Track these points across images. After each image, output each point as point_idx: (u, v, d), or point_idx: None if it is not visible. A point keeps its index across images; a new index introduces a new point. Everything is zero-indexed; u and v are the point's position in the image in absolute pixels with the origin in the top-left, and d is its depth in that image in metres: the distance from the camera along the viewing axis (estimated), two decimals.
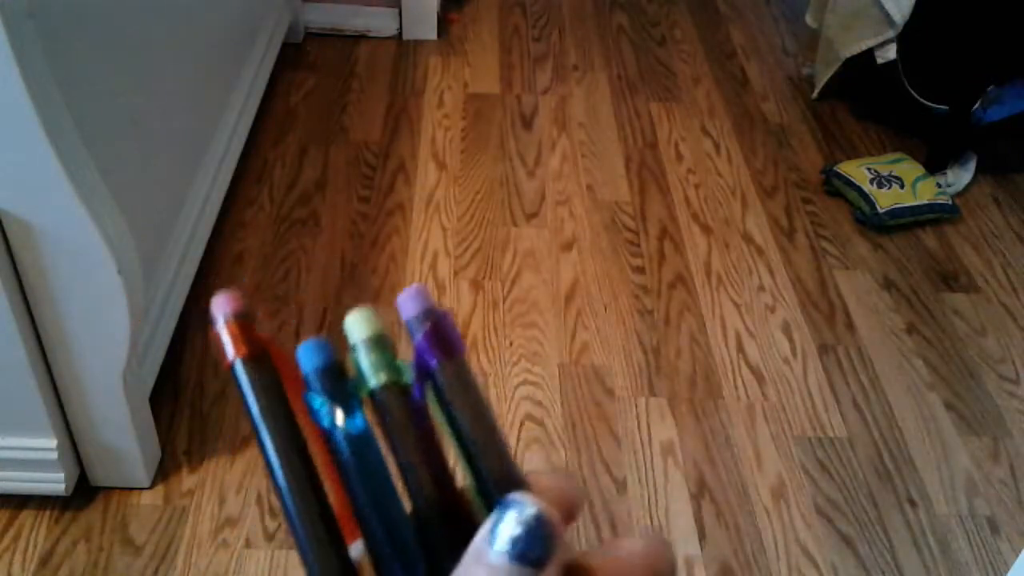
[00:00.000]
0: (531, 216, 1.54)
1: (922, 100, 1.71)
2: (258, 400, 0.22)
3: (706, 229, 1.55)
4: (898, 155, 1.68)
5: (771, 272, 1.48)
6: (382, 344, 0.22)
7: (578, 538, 1.08)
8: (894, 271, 1.50)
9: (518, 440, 1.18)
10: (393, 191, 1.56)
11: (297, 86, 1.79)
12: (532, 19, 2.11)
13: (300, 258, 1.42)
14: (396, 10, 1.95)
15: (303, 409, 0.22)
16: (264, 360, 0.23)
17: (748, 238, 1.54)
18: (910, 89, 1.71)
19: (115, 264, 0.86)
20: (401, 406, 0.22)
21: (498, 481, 0.21)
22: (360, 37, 1.96)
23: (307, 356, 0.22)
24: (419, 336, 0.22)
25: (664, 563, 0.21)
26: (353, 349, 0.22)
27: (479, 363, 1.28)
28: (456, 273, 1.42)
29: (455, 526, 0.21)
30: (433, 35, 1.98)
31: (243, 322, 0.23)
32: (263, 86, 1.63)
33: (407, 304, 0.22)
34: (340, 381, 0.22)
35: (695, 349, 1.33)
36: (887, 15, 1.64)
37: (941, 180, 1.66)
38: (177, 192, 1.22)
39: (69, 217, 0.82)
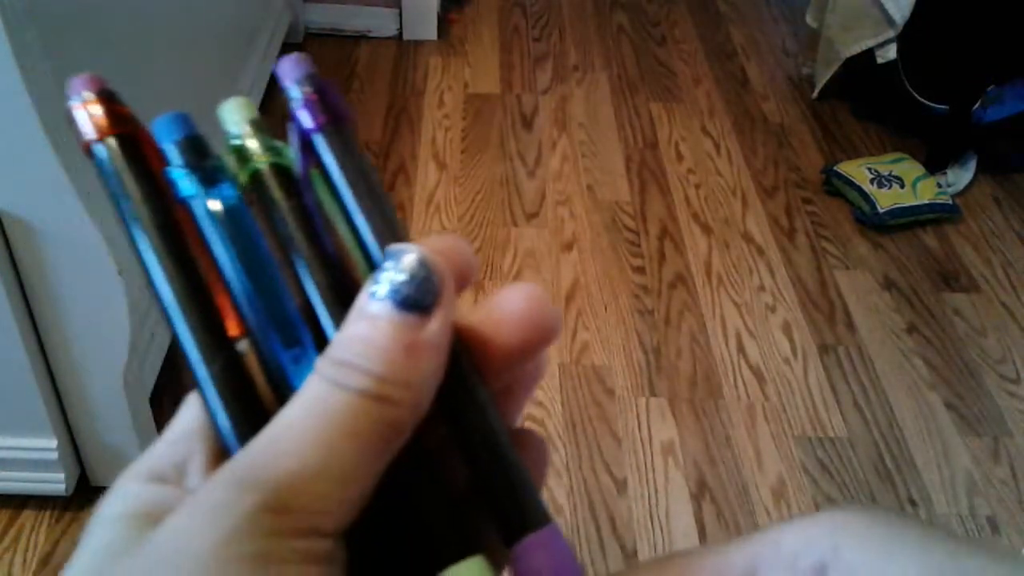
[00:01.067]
0: (531, 216, 1.54)
1: (922, 100, 1.71)
2: (130, 187, 0.19)
3: (706, 229, 1.55)
4: (898, 155, 1.68)
5: (771, 272, 1.48)
6: (259, 127, 0.21)
7: (578, 538, 1.08)
8: (894, 271, 1.50)
9: None
10: (393, 191, 1.56)
11: None
12: (532, 19, 2.11)
13: None
14: (396, 10, 1.95)
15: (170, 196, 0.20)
16: (132, 142, 0.20)
17: (748, 238, 1.54)
18: (910, 89, 1.71)
19: (115, 265, 0.86)
20: (283, 186, 0.20)
21: (386, 247, 0.19)
22: (360, 37, 1.96)
23: (165, 129, 0.20)
24: (300, 100, 0.20)
25: (545, 315, 0.20)
26: (229, 132, 0.21)
27: None
28: None
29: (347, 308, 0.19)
30: (433, 35, 1.98)
31: (107, 99, 0.20)
32: (263, 86, 1.63)
33: (288, 69, 0.20)
34: (204, 154, 0.20)
35: (695, 349, 1.33)
36: (887, 15, 1.64)
37: (941, 180, 1.66)
38: None
39: (69, 217, 0.82)
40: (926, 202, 1.58)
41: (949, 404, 1.29)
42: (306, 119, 0.20)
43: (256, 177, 0.20)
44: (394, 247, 0.18)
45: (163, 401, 1.18)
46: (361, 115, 1.73)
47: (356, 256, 0.20)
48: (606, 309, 1.39)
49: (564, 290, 1.41)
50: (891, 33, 1.66)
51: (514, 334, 0.19)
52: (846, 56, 1.76)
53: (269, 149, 0.20)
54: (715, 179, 1.66)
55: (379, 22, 1.96)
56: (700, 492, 1.15)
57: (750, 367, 1.31)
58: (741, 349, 1.34)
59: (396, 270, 0.18)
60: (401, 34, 1.97)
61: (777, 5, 2.25)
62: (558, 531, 0.19)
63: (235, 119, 0.21)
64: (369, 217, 0.20)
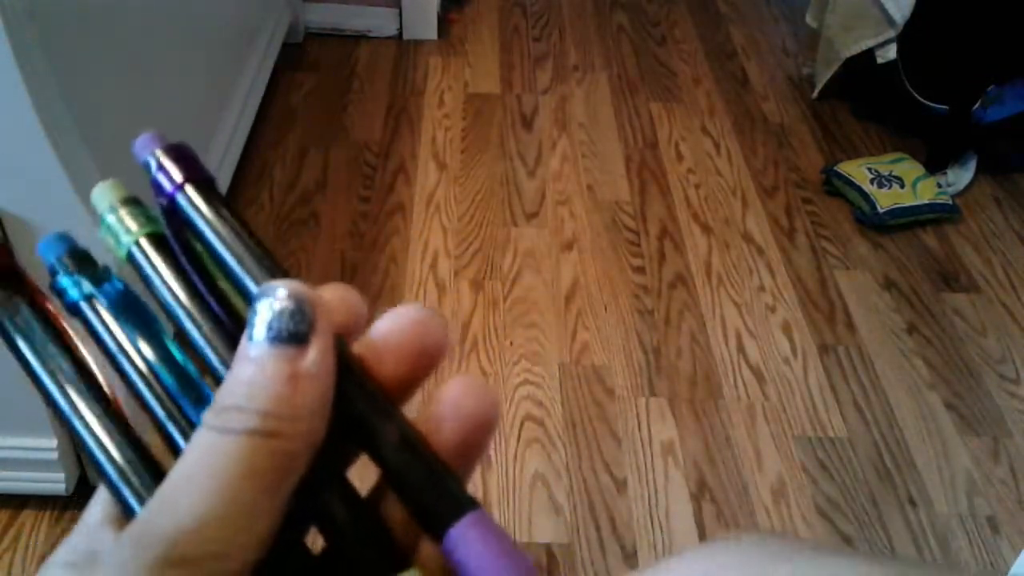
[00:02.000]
0: (531, 216, 1.54)
1: (922, 100, 1.71)
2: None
3: (706, 229, 1.55)
4: (898, 155, 1.68)
5: (771, 272, 1.48)
6: (133, 202, 0.21)
7: (578, 538, 1.08)
8: (894, 271, 1.50)
9: (518, 440, 1.18)
10: (393, 191, 1.56)
11: (297, 86, 1.79)
12: (532, 19, 2.11)
13: (300, 258, 1.42)
14: (396, 10, 1.95)
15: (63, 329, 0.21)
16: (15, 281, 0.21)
17: (748, 238, 1.54)
18: (910, 89, 1.71)
19: (116, 265, 0.85)
20: (161, 251, 0.20)
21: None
22: (360, 37, 1.96)
23: (49, 248, 0.21)
24: (155, 165, 0.20)
25: (433, 335, 0.20)
26: (103, 217, 0.21)
27: (479, 363, 1.28)
28: (456, 273, 1.42)
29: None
30: (433, 35, 1.98)
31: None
32: (263, 86, 1.63)
33: (143, 146, 0.21)
34: (90, 261, 0.21)
35: (695, 349, 1.33)
36: (887, 15, 1.64)
37: (941, 180, 1.66)
38: None
39: (69, 217, 0.82)
40: (926, 202, 1.58)
41: (949, 404, 1.29)
42: (165, 182, 0.20)
43: (133, 252, 0.21)
44: (263, 286, 0.18)
45: None
46: (361, 115, 1.73)
47: (239, 304, 0.20)
48: (606, 309, 1.39)
49: (564, 290, 1.41)
50: (891, 33, 1.66)
51: (456, 433, 0.20)
52: (846, 56, 1.76)
53: (147, 220, 0.21)
54: (715, 179, 1.66)
55: (379, 22, 1.96)
56: (700, 492, 1.15)
57: (750, 367, 1.31)
58: (741, 349, 1.34)
59: (268, 308, 0.18)
60: (401, 34, 1.97)
61: (777, 5, 2.25)
62: (486, 515, 0.19)
63: (107, 200, 0.21)
64: (241, 262, 0.20)
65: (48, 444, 0.97)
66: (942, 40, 1.68)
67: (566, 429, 1.20)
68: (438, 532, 0.19)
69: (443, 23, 2.02)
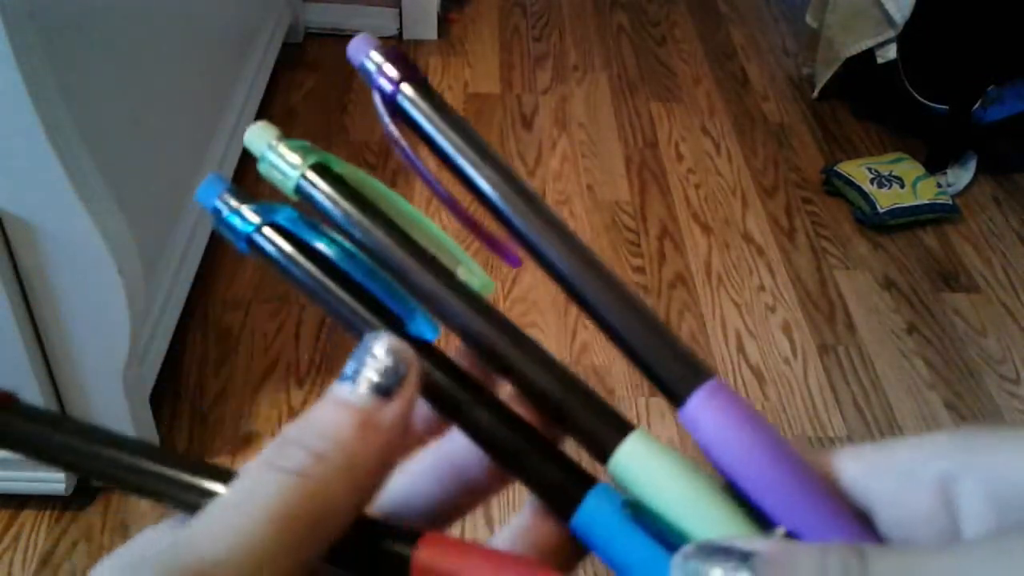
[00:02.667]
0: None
1: (922, 100, 1.71)
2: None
3: (706, 229, 1.55)
4: (898, 155, 1.68)
5: (771, 272, 1.48)
6: (287, 138, 0.22)
7: None
8: (894, 271, 1.50)
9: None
10: (393, 191, 1.56)
11: (297, 86, 1.79)
12: (532, 19, 2.11)
13: None
14: (396, 10, 1.95)
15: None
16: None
17: (748, 238, 1.54)
18: (910, 89, 1.71)
19: (115, 264, 0.86)
20: (328, 179, 0.22)
21: (496, 182, 0.21)
22: None
23: (206, 192, 0.22)
24: (379, 68, 0.21)
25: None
26: (263, 156, 0.22)
27: None
28: None
29: (422, 261, 0.21)
30: (433, 35, 1.98)
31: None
32: (263, 86, 1.63)
33: (356, 48, 0.22)
34: (248, 195, 0.22)
35: (695, 349, 1.33)
36: (887, 15, 1.64)
37: (941, 180, 1.66)
38: (177, 192, 1.22)
39: (69, 217, 0.82)
40: (926, 202, 1.58)
41: (949, 404, 1.29)
42: (385, 84, 0.22)
43: (300, 185, 0.22)
44: (368, 334, 0.19)
45: (163, 401, 1.18)
46: (361, 115, 1.73)
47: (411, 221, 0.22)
48: None
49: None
50: (891, 33, 1.66)
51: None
52: (846, 56, 1.76)
53: (306, 153, 0.22)
54: (715, 179, 1.66)
55: (379, 22, 1.96)
56: None
57: (750, 367, 1.31)
58: (741, 349, 1.34)
59: (366, 355, 0.18)
60: (401, 34, 1.97)
61: (777, 5, 2.25)
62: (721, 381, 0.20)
63: (263, 140, 0.23)
64: (462, 152, 0.22)
65: None
66: (942, 40, 1.68)
67: None
68: (676, 400, 0.20)
69: (443, 23, 2.02)
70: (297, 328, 1.30)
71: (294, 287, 0.21)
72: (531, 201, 0.22)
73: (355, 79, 1.83)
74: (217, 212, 0.22)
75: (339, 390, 0.18)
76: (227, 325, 1.29)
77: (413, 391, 0.19)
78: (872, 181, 1.59)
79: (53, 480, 1.00)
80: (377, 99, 0.22)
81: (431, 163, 0.23)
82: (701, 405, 0.20)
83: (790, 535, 0.18)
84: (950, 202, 1.60)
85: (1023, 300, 1.47)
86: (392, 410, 0.18)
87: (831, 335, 1.38)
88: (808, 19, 1.94)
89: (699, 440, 0.20)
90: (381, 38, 1.96)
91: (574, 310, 1.38)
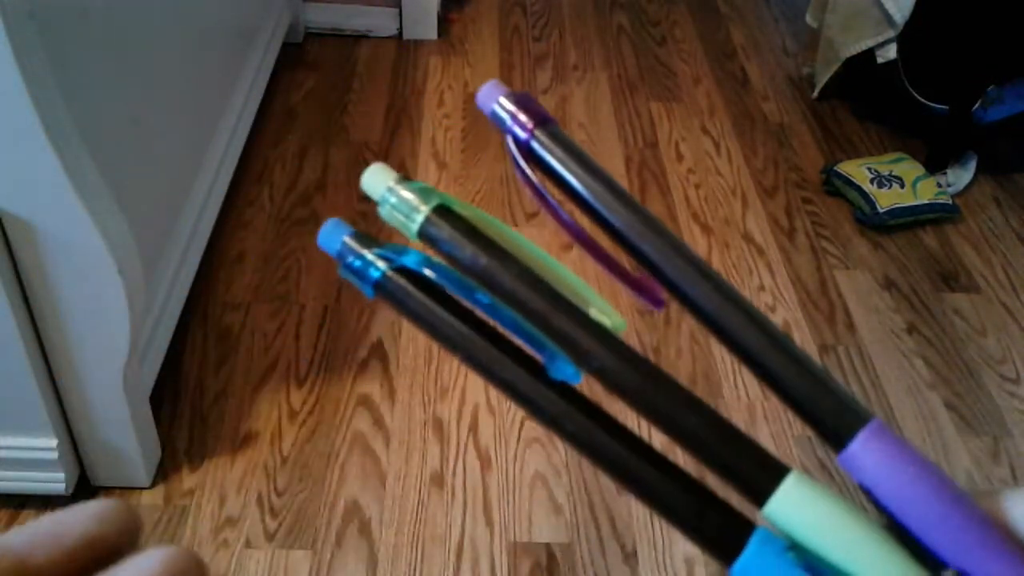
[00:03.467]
0: (531, 216, 1.54)
1: (922, 100, 1.71)
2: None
3: (706, 229, 1.55)
4: (898, 155, 1.68)
5: (771, 272, 1.48)
6: (406, 180, 0.22)
7: (578, 538, 1.08)
8: (894, 271, 1.50)
9: (518, 439, 1.18)
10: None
11: (297, 86, 1.79)
12: (532, 19, 2.11)
13: (300, 258, 1.42)
14: (396, 10, 1.95)
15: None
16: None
17: (748, 238, 1.54)
18: (910, 89, 1.71)
19: (115, 264, 0.86)
20: (451, 221, 0.21)
21: (631, 225, 0.21)
22: (360, 37, 1.96)
23: (330, 237, 0.22)
24: (512, 115, 0.22)
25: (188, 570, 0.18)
26: (384, 199, 0.22)
27: None
28: None
29: (557, 303, 0.21)
30: (433, 35, 1.98)
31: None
32: (263, 86, 1.63)
33: (488, 96, 0.23)
34: (371, 239, 0.22)
35: (695, 349, 1.33)
36: (887, 15, 1.64)
37: (941, 180, 1.66)
38: (177, 192, 1.22)
39: (69, 217, 0.82)
40: (926, 202, 1.58)
41: (949, 404, 1.29)
42: (519, 131, 0.22)
43: (424, 228, 0.22)
44: None
45: (163, 401, 1.18)
46: (361, 115, 1.73)
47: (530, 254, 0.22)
48: None
49: None
50: (891, 33, 1.66)
51: None
52: (846, 56, 1.76)
53: (427, 195, 0.22)
54: (715, 179, 1.66)
55: (379, 22, 1.96)
56: None
57: None
58: None
59: None
60: (401, 34, 1.97)
61: (777, 5, 2.25)
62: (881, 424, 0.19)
63: (383, 184, 0.23)
64: (594, 193, 0.22)
65: (48, 444, 0.97)
66: (942, 40, 1.68)
67: None
68: (836, 446, 0.19)
69: (443, 23, 2.02)
70: (297, 328, 1.30)
71: (427, 334, 0.21)
72: (671, 241, 0.21)
73: (355, 79, 1.83)
74: (342, 257, 0.22)
75: None
76: (227, 325, 1.29)
77: None
78: (872, 181, 1.59)
79: (53, 480, 1.00)
80: (511, 145, 0.22)
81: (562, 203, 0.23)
82: (865, 446, 0.19)
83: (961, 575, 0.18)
84: (950, 202, 1.60)
85: (1023, 300, 1.47)
86: None
87: (831, 335, 1.38)
88: (808, 19, 1.94)
89: (863, 481, 0.19)
90: (381, 37, 1.96)
91: None
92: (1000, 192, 1.70)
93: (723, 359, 1.32)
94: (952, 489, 0.19)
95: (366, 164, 1.61)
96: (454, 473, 1.13)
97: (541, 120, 0.22)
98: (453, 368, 1.27)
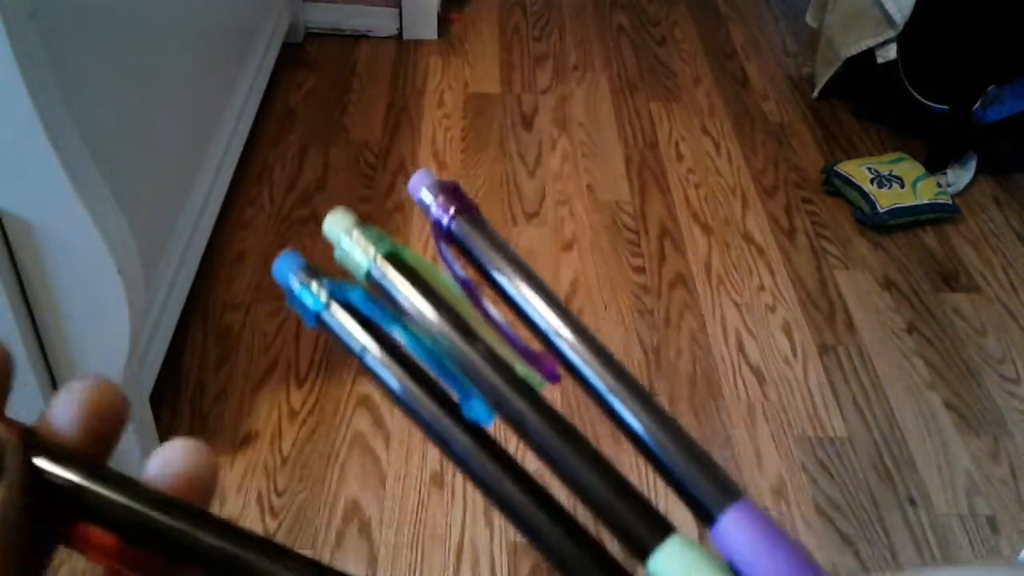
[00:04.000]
0: (531, 216, 1.54)
1: (922, 100, 1.71)
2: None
3: (706, 229, 1.55)
4: (898, 155, 1.68)
5: (771, 272, 1.48)
6: (363, 226, 0.24)
7: None
8: (894, 271, 1.50)
9: (518, 440, 1.18)
10: (393, 191, 1.56)
11: (297, 86, 1.79)
12: (532, 19, 2.11)
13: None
14: (396, 10, 1.95)
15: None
16: None
17: (748, 238, 1.54)
18: (910, 89, 1.71)
19: (115, 264, 0.86)
20: (398, 268, 0.23)
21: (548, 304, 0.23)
22: (360, 37, 1.96)
23: (284, 265, 0.23)
24: (436, 202, 0.24)
25: (205, 472, 0.20)
26: (339, 241, 0.24)
27: None
28: None
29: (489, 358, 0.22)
30: (433, 35, 1.98)
31: None
32: (263, 86, 1.63)
33: (417, 184, 0.24)
34: (319, 273, 0.23)
35: (695, 349, 1.33)
36: (887, 15, 1.64)
37: (941, 180, 1.66)
38: (177, 192, 1.22)
39: (69, 217, 0.82)
40: (926, 202, 1.58)
41: (949, 404, 1.29)
42: (442, 216, 0.24)
43: (370, 272, 0.23)
44: None
45: (163, 401, 1.18)
46: (361, 115, 1.73)
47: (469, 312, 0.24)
48: (606, 309, 1.39)
49: (564, 289, 1.41)
50: (891, 33, 1.66)
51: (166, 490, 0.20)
52: (846, 56, 1.76)
53: (379, 242, 0.24)
54: (715, 179, 1.66)
55: (379, 22, 1.96)
56: None
57: (750, 367, 1.31)
58: (741, 349, 1.34)
59: None
60: (401, 34, 1.97)
61: (777, 5, 2.25)
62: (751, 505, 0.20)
63: (341, 227, 0.24)
64: (512, 280, 0.24)
65: None
66: (942, 40, 1.68)
67: None
68: (707, 521, 0.20)
69: (443, 23, 2.02)
70: (297, 328, 1.30)
71: (359, 365, 0.22)
72: (576, 327, 0.23)
73: (355, 79, 1.83)
74: (289, 289, 0.23)
75: None
76: (227, 325, 1.29)
77: (15, 476, 0.18)
78: (872, 181, 1.59)
79: None
80: (433, 230, 0.24)
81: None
82: (731, 524, 0.20)
83: None
84: (950, 202, 1.60)
85: (1023, 300, 1.47)
86: None
87: (831, 335, 1.38)
88: (808, 19, 1.94)
89: (730, 557, 0.20)
90: (381, 37, 1.96)
91: (574, 310, 1.38)
92: (1000, 192, 1.70)
93: (723, 359, 1.32)
94: (814, 569, 0.19)
95: (366, 164, 1.61)
96: (454, 473, 1.13)
97: (463, 208, 0.24)
98: None
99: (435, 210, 0.24)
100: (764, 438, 1.22)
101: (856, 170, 1.62)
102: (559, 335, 0.23)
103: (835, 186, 1.64)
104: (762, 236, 1.55)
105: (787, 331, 1.38)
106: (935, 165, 1.68)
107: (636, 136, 1.75)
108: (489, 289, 0.25)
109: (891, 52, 1.69)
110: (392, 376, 0.22)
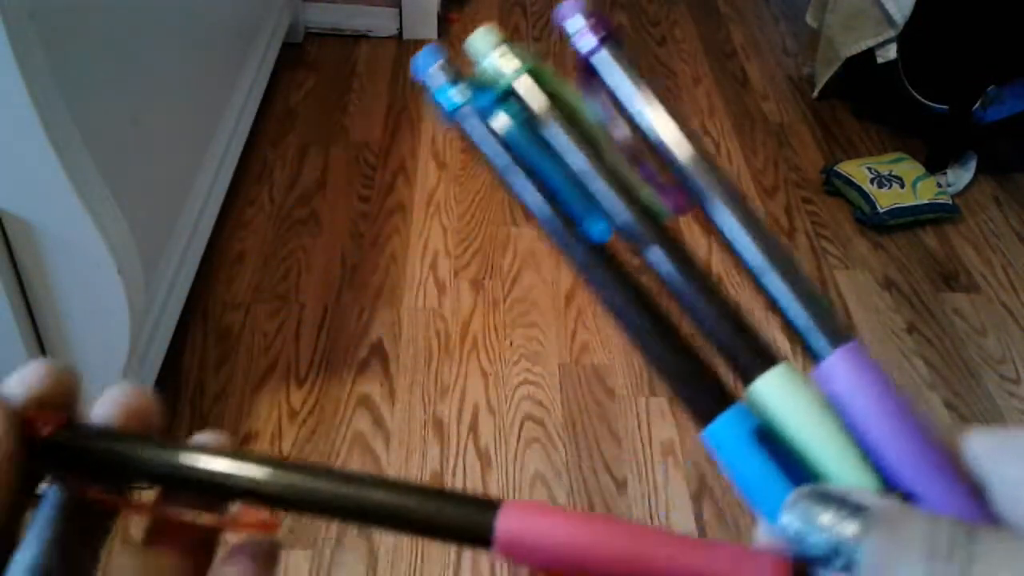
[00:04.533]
0: (531, 216, 1.54)
1: (922, 100, 1.71)
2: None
3: (706, 229, 1.55)
4: (898, 155, 1.68)
5: None
6: (508, 44, 0.25)
7: None
8: (894, 271, 1.50)
9: (518, 440, 1.18)
10: (393, 191, 1.56)
11: (297, 86, 1.79)
12: (532, 19, 2.11)
13: (300, 258, 1.42)
14: (396, 10, 1.95)
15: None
16: None
17: None
18: (910, 89, 1.71)
19: (115, 264, 0.86)
20: (539, 84, 0.24)
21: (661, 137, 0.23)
22: (360, 37, 1.96)
23: (424, 59, 0.24)
24: (586, 24, 0.25)
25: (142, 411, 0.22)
26: (481, 59, 0.24)
27: (479, 363, 1.28)
28: (456, 273, 1.42)
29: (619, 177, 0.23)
30: (433, 35, 1.98)
31: None
32: (263, 86, 1.63)
33: (566, 9, 0.25)
34: (461, 74, 0.24)
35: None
36: (887, 15, 1.64)
37: (941, 180, 1.66)
38: (177, 192, 1.22)
39: (69, 217, 0.82)
40: (926, 202, 1.58)
41: (949, 404, 1.29)
42: (587, 42, 0.25)
43: (512, 88, 0.24)
44: None
45: (163, 400, 1.18)
46: (361, 115, 1.73)
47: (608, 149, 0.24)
48: None
49: (564, 289, 1.41)
50: (891, 33, 1.66)
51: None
52: (846, 56, 1.76)
53: (522, 60, 0.25)
54: None
55: (379, 22, 1.96)
56: (700, 492, 1.15)
57: None
58: None
59: None
60: (401, 34, 1.97)
61: (777, 5, 2.25)
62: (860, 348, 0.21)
63: (486, 44, 0.25)
64: (649, 110, 0.24)
65: None
66: (942, 40, 1.68)
67: (566, 429, 1.20)
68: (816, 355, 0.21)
69: (443, 23, 2.02)
70: (297, 328, 1.30)
71: (486, 165, 0.24)
72: (704, 159, 0.23)
73: (355, 79, 1.83)
74: (427, 85, 0.24)
75: None
76: (227, 325, 1.29)
77: (9, 440, 0.19)
78: (872, 181, 1.59)
79: None
80: (577, 56, 0.25)
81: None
82: (839, 362, 0.21)
83: (906, 498, 0.19)
84: (950, 202, 1.60)
85: (1023, 300, 1.47)
86: None
87: None
88: (808, 19, 1.94)
89: (832, 394, 0.20)
90: (381, 37, 1.96)
91: (574, 310, 1.38)
92: (1000, 192, 1.70)
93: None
94: (915, 418, 0.20)
95: (366, 164, 1.61)
96: (454, 473, 1.13)
97: (610, 34, 0.24)
98: (453, 368, 1.27)
99: (584, 35, 0.25)
100: None
101: (856, 170, 1.62)
102: (689, 169, 0.23)
103: (835, 186, 1.64)
104: None
105: (787, 331, 1.37)
106: (935, 165, 1.68)
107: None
108: (625, 118, 0.25)
109: (891, 52, 1.69)
110: (519, 180, 0.23)
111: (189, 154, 1.28)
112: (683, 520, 1.11)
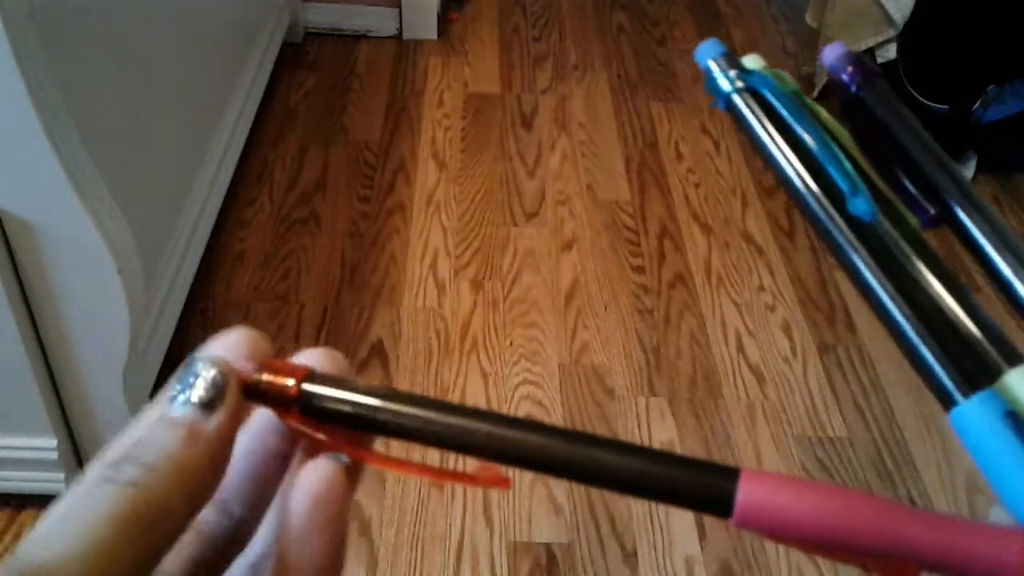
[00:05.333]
0: (531, 216, 1.54)
1: (922, 100, 1.71)
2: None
3: (706, 229, 1.55)
4: None
5: (771, 272, 1.48)
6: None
7: (578, 538, 1.08)
8: None
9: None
10: (393, 191, 1.56)
11: (297, 86, 1.79)
12: (532, 19, 2.11)
13: (300, 258, 1.42)
14: (396, 10, 1.95)
15: None
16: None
17: (748, 237, 1.54)
18: (910, 88, 1.71)
19: (115, 264, 0.86)
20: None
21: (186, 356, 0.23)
22: (360, 37, 1.96)
23: (705, 50, 0.26)
24: (846, 70, 0.27)
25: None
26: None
27: (479, 363, 1.28)
28: (456, 273, 1.42)
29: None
30: (433, 35, 1.98)
31: None
32: (263, 86, 1.63)
33: (831, 55, 0.27)
34: (739, 64, 0.26)
35: (695, 349, 1.33)
36: (887, 14, 1.64)
37: None
38: (177, 192, 1.22)
39: (69, 217, 0.82)
40: None
41: None
42: (847, 80, 0.27)
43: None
44: (189, 356, 0.21)
45: None
46: (361, 115, 1.73)
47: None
48: (606, 309, 1.39)
49: (564, 290, 1.41)
50: (891, 33, 1.66)
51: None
52: None
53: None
54: (715, 179, 1.66)
55: (379, 22, 1.96)
56: None
57: (750, 367, 1.32)
58: (741, 349, 1.34)
59: (189, 375, 0.20)
60: (401, 34, 1.97)
61: (777, 5, 2.25)
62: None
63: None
64: (912, 145, 0.26)
65: (48, 444, 0.97)
66: (942, 40, 1.68)
67: None
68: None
69: (443, 23, 2.02)
70: (297, 328, 1.30)
71: (755, 149, 0.25)
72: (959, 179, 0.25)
73: (355, 79, 1.83)
74: (708, 71, 0.26)
75: (165, 408, 0.19)
76: (227, 325, 1.29)
77: (234, 401, 0.20)
78: None
79: (53, 480, 1.00)
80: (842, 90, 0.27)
81: None
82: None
83: None
84: None
85: None
86: (215, 421, 0.19)
87: (831, 335, 1.38)
88: (808, 19, 1.94)
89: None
90: (381, 37, 1.96)
91: (574, 310, 1.38)
92: (1000, 192, 1.70)
93: (723, 359, 1.32)
94: None
95: (366, 164, 1.61)
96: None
97: (867, 76, 0.27)
98: (453, 368, 1.27)
99: (840, 75, 0.27)
100: (764, 438, 1.22)
101: None
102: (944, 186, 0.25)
103: None
104: (762, 236, 1.55)
105: (787, 331, 1.38)
106: None
107: (636, 136, 1.75)
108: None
109: (891, 52, 1.69)
110: (787, 164, 0.24)
111: (189, 154, 1.28)
112: (682, 520, 1.11)
